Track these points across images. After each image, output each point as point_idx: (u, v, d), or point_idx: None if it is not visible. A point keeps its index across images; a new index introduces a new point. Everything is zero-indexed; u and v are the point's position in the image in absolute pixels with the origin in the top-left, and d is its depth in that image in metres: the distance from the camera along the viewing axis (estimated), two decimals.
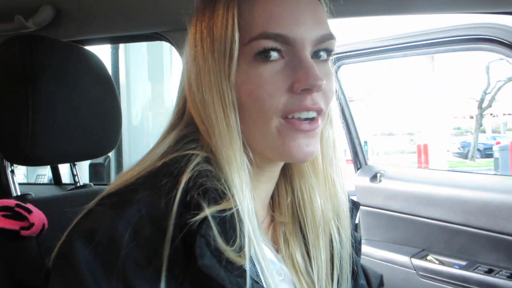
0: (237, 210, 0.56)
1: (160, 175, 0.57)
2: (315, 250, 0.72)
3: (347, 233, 0.74)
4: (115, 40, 2.10)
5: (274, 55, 0.59)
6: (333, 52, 0.66)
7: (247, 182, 0.60)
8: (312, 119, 0.61)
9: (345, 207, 0.74)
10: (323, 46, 0.63)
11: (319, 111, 0.62)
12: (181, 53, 1.42)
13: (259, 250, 0.58)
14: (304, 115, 0.60)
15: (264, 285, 0.59)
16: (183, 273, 0.52)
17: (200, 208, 0.53)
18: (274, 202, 0.77)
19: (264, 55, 0.58)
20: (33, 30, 1.19)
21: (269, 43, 0.58)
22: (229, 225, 0.55)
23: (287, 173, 0.75)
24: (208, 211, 0.52)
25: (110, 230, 0.51)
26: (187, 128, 0.66)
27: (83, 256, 0.50)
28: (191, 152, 0.60)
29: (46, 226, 0.84)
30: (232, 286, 0.51)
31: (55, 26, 1.21)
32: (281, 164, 0.71)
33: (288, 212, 0.75)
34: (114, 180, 0.61)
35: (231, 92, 0.60)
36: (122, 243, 0.50)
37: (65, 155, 1.02)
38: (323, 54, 0.64)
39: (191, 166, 0.57)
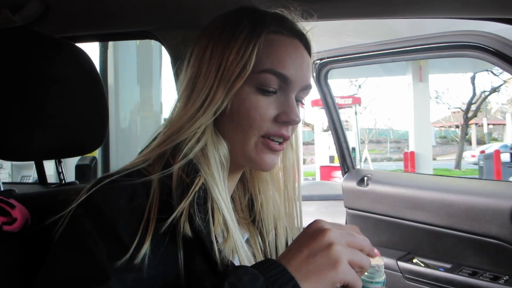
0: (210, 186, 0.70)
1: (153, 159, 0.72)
2: (267, 238, 0.89)
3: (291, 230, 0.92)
4: (105, 38, 2.08)
5: (271, 90, 0.74)
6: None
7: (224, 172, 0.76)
8: (280, 143, 0.78)
9: (297, 208, 0.92)
10: (304, 93, 0.81)
11: (287, 139, 0.78)
12: (170, 53, 1.42)
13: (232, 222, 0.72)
14: (277, 139, 0.77)
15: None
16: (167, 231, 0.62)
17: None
18: (234, 203, 0.91)
19: (265, 89, 0.74)
20: (21, 25, 1.17)
21: (273, 78, 0.73)
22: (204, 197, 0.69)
23: (245, 179, 0.92)
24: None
25: (107, 198, 0.63)
26: None
27: (83, 221, 0.60)
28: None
29: (30, 222, 0.83)
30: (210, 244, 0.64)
31: (43, 21, 1.19)
32: (243, 169, 0.87)
33: (246, 210, 0.91)
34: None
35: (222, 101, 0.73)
36: (118, 209, 0.61)
37: (49, 150, 1.00)
38: (300, 100, 0.81)
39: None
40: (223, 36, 0.75)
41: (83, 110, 1.04)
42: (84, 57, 1.07)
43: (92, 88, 1.07)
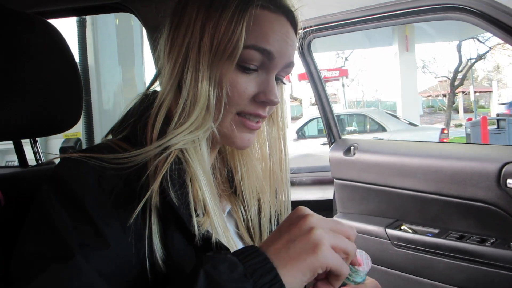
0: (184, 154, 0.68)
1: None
2: (249, 212, 0.86)
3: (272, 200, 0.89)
4: (77, 12, 2.00)
5: (252, 67, 0.71)
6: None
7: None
8: (257, 121, 0.76)
9: (284, 181, 0.88)
10: (286, 71, 0.78)
11: (264, 118, 0.77)
12: (145, 25, 1.36)
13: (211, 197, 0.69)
14: (253, 118, 0.75)
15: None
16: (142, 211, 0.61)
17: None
18: (214, 175, 0.87)
19: (246, 66, 0.70)
20: None
21: (255, 55, 0.70)
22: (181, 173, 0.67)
23: (223, 151, 0.90)
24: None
25: (75, 174, 0.60)
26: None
27: (49, 197, 0.58)
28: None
29: (3, 203, 0.80)
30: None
31: None
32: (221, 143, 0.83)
33: (226, 182, 0.89)
34: None
35: (214, 85, 0.69)
36: (86, 185, 0.59)
37: (20, 129, 0.96)
38: (281, 78, 0.79)
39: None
40: (212, 8, 0.69)
41: (56, 87, 1.00)
42: (55, 33, 1.02)
43: (64, 65, 1.03)
